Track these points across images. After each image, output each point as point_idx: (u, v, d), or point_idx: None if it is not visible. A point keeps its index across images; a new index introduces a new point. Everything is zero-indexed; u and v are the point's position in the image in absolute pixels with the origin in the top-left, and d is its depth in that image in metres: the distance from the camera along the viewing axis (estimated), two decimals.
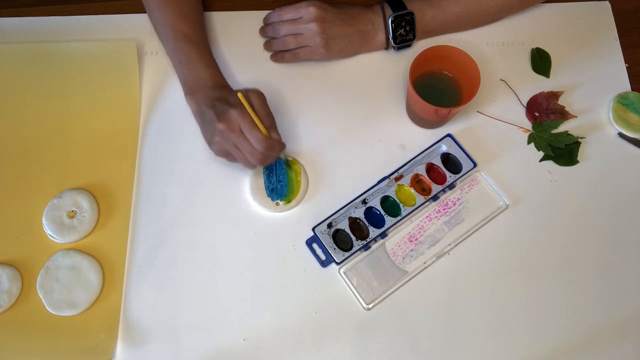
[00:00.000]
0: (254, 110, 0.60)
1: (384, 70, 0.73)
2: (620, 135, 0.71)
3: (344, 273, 0.65)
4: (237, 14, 0.77)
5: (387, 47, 0.73)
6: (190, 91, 0.65)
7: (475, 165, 0.68)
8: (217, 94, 0.62)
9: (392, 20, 0.69)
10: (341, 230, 0.66)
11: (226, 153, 0.62)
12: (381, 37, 0.71)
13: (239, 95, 0.58)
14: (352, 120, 0.71)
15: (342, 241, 0.66)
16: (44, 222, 0.66)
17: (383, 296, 0.64)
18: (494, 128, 0.71)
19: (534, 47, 0.74)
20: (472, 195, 0.68)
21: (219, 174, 0.69)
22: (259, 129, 0.59)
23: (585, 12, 0.77)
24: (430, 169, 0.69)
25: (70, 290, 0.63)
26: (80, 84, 0.72)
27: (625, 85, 0.73)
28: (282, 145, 0.63)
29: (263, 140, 0.59)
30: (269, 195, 0.67)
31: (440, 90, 0.68)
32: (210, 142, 0.62)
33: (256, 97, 0.61)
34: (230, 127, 0.59)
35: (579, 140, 0.70)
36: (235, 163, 0.64)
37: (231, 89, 0.65)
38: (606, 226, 0.67)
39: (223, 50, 0.75)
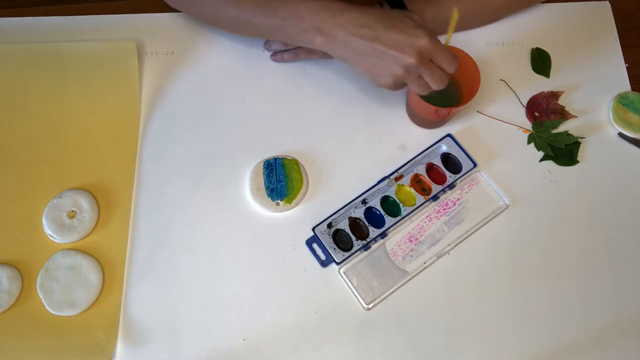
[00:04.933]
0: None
1: None
2: (620, 135, 0.71)
3: (344, 273, 0.65)
4: None
5: None
6: (321, 34, 0.59)
7: (475, 165, 0.68)
8: (363, 18, 0.57)
9: None
10: (341, 230, 0.66)
11: (399, 86, 0.60)
12: None
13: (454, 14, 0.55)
14: (352, 120, 0.71)
15: (342, 241, 0.66)
16: (44, 222, 0.66)
17: (383, 296, 0.64)
18: (494, 128, 0.71)
19: (534, 47, 0.74)
20: (472, 195, 0.68)
21: (219, 174, 0.69)
22: (450, 52, 0.57)
23: (585, 12, 0.77)
24: (430, 169, 0.69)
25: (70, 290, 0.63)
26: (80, 84, 0.72)
27: (625, 85, 0.73)
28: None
29: (456, 59, 0.57)
30: (269, 195, 0.67)
31: (440, 90, 0.68)
32: (384, 77, 0.58)
33: (422, 21, 0.58)
34: (422, 59, 0.56)
35: (579, 140, 0.70)
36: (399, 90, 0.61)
37: (366, 6, 0.59)
38: (606, 226, 0.67)
39: (223, 49, 0.75)
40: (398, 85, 0.60)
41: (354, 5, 0.59)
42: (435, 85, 0.59)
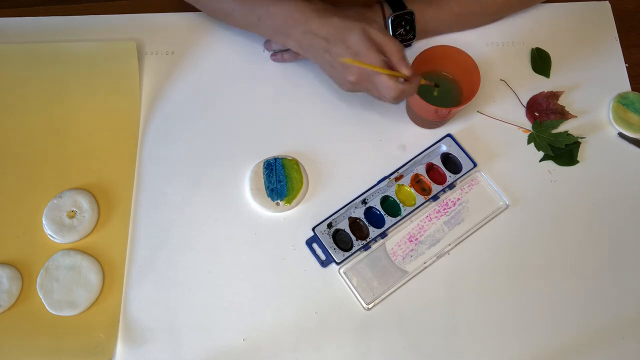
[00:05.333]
0: (385, 51, 0.57)
1: None
2: (620, 135, 0.71)
3: (344, 273, 0.65)
4: None
5: None
6: (291, 38, 0.61)
7: (475, 165, 0.68)
8: (323, 28, 0.58)
9: (391, 20, 0.69)
10: (341, 230, 0.66)
11: (360, 90, 0.62)
12: None
13: (345, 60, 0.56)
14: (352, 120, 0.71)
15: (342, 241, 0.66)
16: (44, 222, 0.66)
17: (383, 296, 0.64)
18: (494, 128, 0.71)
19: (534, 47, 0.74)
20: (472, 195, 0.68)
21: (219, 174, 0.69)
22: (388, 79, 0.57)
23: (585, 12, 0.77)
24: (430, 169, 0.69)
25: (70, 290, 0.63)
26: (80, 84, 0.72)
27: (625, 85, 0.73)
28: (417, 79, 0.60)
29: (392, 88, 0.57)
30: (269, 195, 0.67)
31: (440, 89, 0.68)
32: (340, 85, 0.62)
33: (377, 33, 0.58)
34: (360, 79, 0.58)
35: (579, 140, 0.70)
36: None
37: (330, 13, 0.60)
38: (606, 226, 0.67)
39: (223, 49, 0.75)
40: (357, 91, 0.62)
41: (323, 10, 0.60)
42: (384, 99, 0.60)
